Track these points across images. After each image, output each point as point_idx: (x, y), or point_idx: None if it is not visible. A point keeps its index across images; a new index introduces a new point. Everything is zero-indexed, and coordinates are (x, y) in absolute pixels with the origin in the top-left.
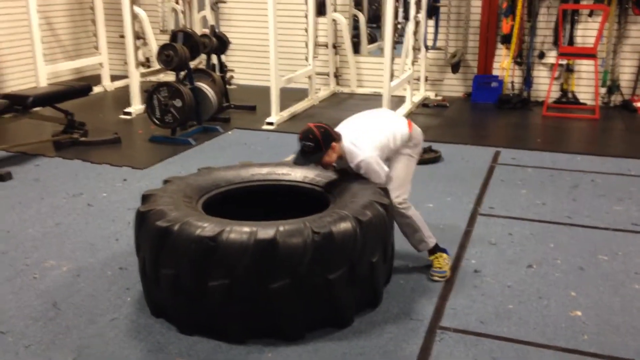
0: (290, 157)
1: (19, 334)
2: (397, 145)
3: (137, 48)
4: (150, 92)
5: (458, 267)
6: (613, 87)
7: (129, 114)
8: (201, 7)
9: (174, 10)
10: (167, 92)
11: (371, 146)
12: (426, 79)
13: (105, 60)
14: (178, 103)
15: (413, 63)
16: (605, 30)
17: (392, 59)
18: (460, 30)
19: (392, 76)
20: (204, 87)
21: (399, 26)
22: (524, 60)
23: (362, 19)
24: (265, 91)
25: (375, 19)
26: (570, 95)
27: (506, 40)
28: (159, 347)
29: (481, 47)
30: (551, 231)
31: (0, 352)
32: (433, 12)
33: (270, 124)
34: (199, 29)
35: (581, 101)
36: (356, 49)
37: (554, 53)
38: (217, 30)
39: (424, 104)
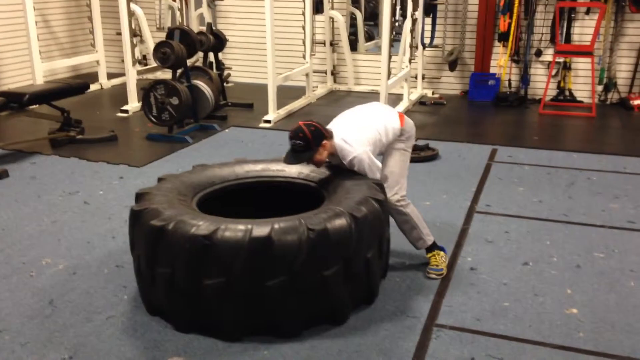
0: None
1: (15, 331)
2: (389, 139)
3: (133, 45)
4: (146, 90)
5: (454, 265)
6: (610, 85)
7: (125, 111)
8: (198, 5)
9: (171, 8)
10: (164, 90)
11: (363, 142)
12: (423, 77)
13: (102, 58)
14: (175, 101)
15: (410, 61)
16: (602, 28)
17: (390, 56)
18: (457, 28)
19: (389, 74)
20: (201, 84)
21: (396, 24)
22: (521, 58)
23: (359, 16)
24: (262, 89)
25: (372, 17)
26: (567, 93)
27: (503, 38)
28: (155, 344)
29: (478, 44)
30: (547, 229)
31: None
32: (430, 9)
33: (268, 121)
34: (196, 27)
35: (578, 99)
36: (353, 46)
37: (551, 51)
38: (214, 28)
39: (421, 101)
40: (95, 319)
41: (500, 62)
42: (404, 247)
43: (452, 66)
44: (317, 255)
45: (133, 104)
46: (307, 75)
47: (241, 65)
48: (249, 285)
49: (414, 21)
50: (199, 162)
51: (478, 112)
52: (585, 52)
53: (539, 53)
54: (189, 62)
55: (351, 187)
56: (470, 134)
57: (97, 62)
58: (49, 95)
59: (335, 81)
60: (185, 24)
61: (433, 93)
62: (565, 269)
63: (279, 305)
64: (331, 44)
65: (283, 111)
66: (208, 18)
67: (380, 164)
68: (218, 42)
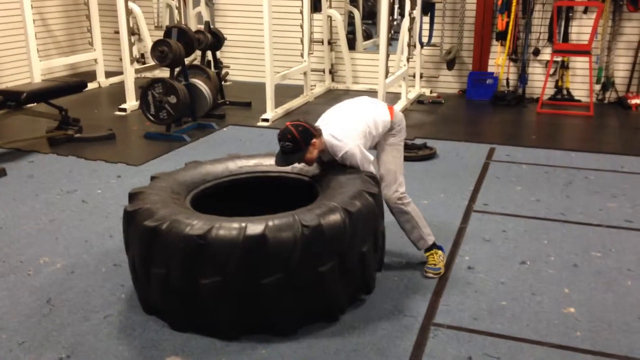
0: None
1: (13, 330)
2: (380, 132)
3: (131, 44)
4: (144, 89)
5: (452, 264)
6: (607, 84)
7: (123, 110)
8: (196, 3)
9: (169, 6)
10: (162, 89)
11: (353, 136)
12: (421, 76)
13: (99, 56)
14: (173, 99)
15: (408, 60)
16: (600, 27)
17: (387, 55)
18: (455, 27)
19: (387, 73)
20: (199, 83)
21: (394, 23)
22: (519, 57)
23: (357, 15)
24: (260, 87)
25: (370, 16)
26: (565, 92)
27: (501, 37)
28: (152, 344)
29: (476, 43)
30: (545, 228)
31: None
32: (428, 8)
33: (266, 120)
34: (194, 25)
35: (576, 98)
36: (351, 45)
37: (548, 50)
38: (212, 27)
39: (419, 100)
40: (92, 318)
41: (498, 61)
42: (402, 245)
43: (450, 65)
44: (312, 252)
45: (131, 103)
46: (305, 74)
47: (239, 64)
48: (244, 283)
49: (412, 20)
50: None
51: (476, 111)
52: (583, 51)
53: (536, 52)
54: (187, 60)
55: (345, 181)
56: (468, 133)
57: (95, 60)
58: (46, 93)
59: (333, 80)
60: (183, 22)
61: (431, 92)
62: (563, 268)
63: (276, 302)
64: (329, 43)
65: (281, 110)
66: (206, 17)
67: (372, 157)
68: (216, 40)
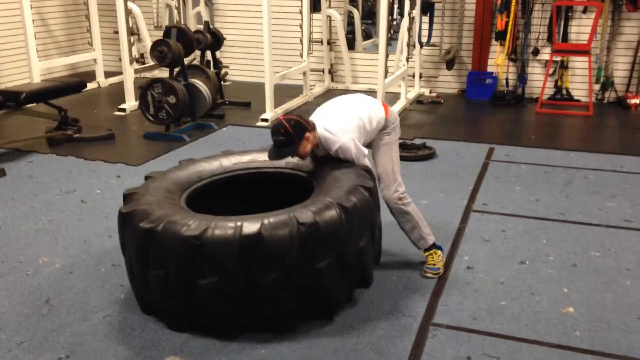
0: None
1: (12, 330)
2: (374, 127)
3: (131, 44)
4: (144, 89)
5: (451, 264)
6: (607, 84)
7: (123, 110)
8: (195, 3)
9: (168, 6)
10: (161, 89)
11: (347, 130)
12: (421, 76)
13: (99, 56)
14: (172, 99)
15: (407, 59)
16: (599, 27)
17: (387, 55)
18: (454, 26)
19: (386, 73)
20: (198, 83)
21: (394, 23)
22: (518, 56)
23: (356, 15)
24: (259, 87)
25: (369, 15)
26: (564, 91)
27: (500, 36)
28: (152, 344)
29: (475, 43)
30: (544, 227)
31: None
32: (428, 8)
33: (265, 120)
34: (193, 25)
35: (575, 98)
36: (351, 45)
37: (548, 49)
38: (211, 27)
39: (419, 100)
40: (91, 318)
41: (498, 60)
42: (401, 245)
43: (450, 65)
44: (309, 249)
45: (130, 103)
46: (304, 73)
47: (238, 64)
48: (242, 282)
49: (412, 20)
50: None
51: (475, 111)
52: (583, 51)
53: (536, 52)
54: (187, 60)
55: (340, 176)
56: (467, 132)
57: (95, 60)
58: (46, 93)
59: (332, 80)
60: (182, 22)
61: (430, 92)
62: (562, 267)
63: (274, 300)
64: (329, 43)
65: (280, 110)
66: (205, 16)
67: (367, 151)
68: (215, 40)
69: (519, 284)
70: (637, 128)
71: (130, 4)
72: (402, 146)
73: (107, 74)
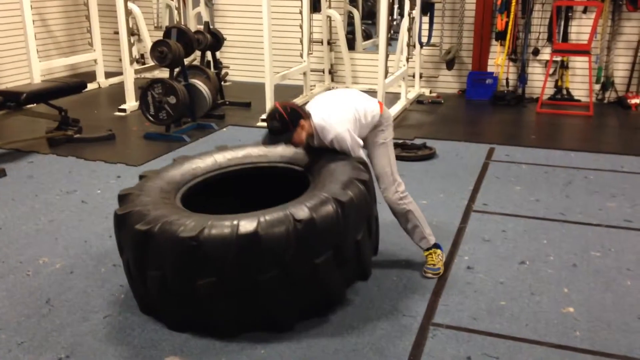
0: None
1: (12, 330)
2: (369, 121)
3: (131, 44)
4: (144, 89)
5: (451, 264)
6: (607, 84)
7: (123, 110)
8: (196, 4)
9: (169, 7)
10: (162, 89)
11: (343, 121)
12: (421, 76)
13: (99, 57)
14: (172, 100)
15: (408, 60)
16: (599, 27)
17: (387, 55)
18: (454, 26)
19: (386, 73)
20: (199, 83)
21: (394, 23)
22: (519, 56)
23: (356, 15)
24: (259, 88)
25: (370, 16)
26: (564, 91)
27: (501, 36)
28: (152, 344)
29: (476, 43)
30: (544, 227)
31: None
32: (428, 8)
33: (265, 120)
34: (193, 26)
35: (575, 98)
36: (351, 45)
37: (548, 49)
38: (211, 27)
39: (419, 100)
40: (92, 318)
41: (498, 60)
42: (401, 245)
43: (450, 65)
44: (307, 246)
45: (131, 103)
46: (304, 74)
47: (239, 64)
48: (241, 281)
49: (412, 20)
50: None
51: (475, 111)
52: (583, 50)
53: (536, 52)
54: (187, 61)
55: (335, 169)
56: (467, 132)
57: (95, 61)
58: (46, 94)
59: (332, 80)
60: (182, 22)
61: (430, 92)
62: (562, 267)
63: (274, 298)
64: (329, 43)
65: None
66: (205, 17)
67: (362, 142)
68: (215, 41)
69: (519, 284)
70: (638, 128)
71: (130, 5)
72: (402, 146)
73: (108, 75)
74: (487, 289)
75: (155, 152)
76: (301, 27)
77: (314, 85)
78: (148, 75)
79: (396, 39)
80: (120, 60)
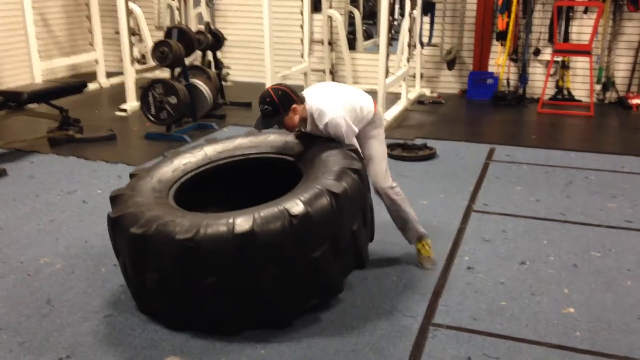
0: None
1: (13, 330)
2: (364, 114)
3: (132, 44)
4: (145, 89)
5: (451, 264)
6: (608, 84)
7: (124, 110)
8: (197, 4)
9: (170, 7)
10: (162, 89)
11: (338, 107)
12: (421, 76)
13: (100, 57)
14: (173, 100)
15: (408, 60)
16: (600, 27)
17: (388, 55)
18: (455, 27)
19: (387, 73)
20: (199, 83)
21: (395, 23)
22: (519, 57)
23: (357, 15)
24: (260, 88)
25: (370, 16)
26: (565, 92)
27: (501, 37)
28: (152, 344)
29: (476, 43)
30: (545, 228)
31: None
32: (428, 8)
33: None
34: (194, 26)
35: (576, 98)
36: (352, 45)
37: (549, 50)
38: (212, 27)
39: (420, 100)
40: (92, 318)
41: (499, 61)
42: (401, 245)
43: (451, 65)
44: (303, 240)
45: (131, 103)
46: (305, 74)
47: (239, 64)
48: (239, 280)
49: (413, 20)
50: None
51: (476, 111)
52: (584, 51)
53: (537, 52)
54: (188, 61)
55: (327, 159)
56: (468, 133)
57: (96, 61)
58: (47, 94)
59: (333, 80)
60: (183, 23)
61: (431, 92)
62: (562, 268)
63: (273, 294)
64: (329, 43)
65: None
66: (206, 17)
67: (357, 129)
68: (216, 41)
69: (519, 284)
70: (638, 128)
71: (131, 5)
72: (403, 146)
73: (109, 75)
74: (487, 289)
75: (156, 152)
76: (302, 27)
77: None
78: (149, 75)
79: (397, 39)
80: (121, 60)
